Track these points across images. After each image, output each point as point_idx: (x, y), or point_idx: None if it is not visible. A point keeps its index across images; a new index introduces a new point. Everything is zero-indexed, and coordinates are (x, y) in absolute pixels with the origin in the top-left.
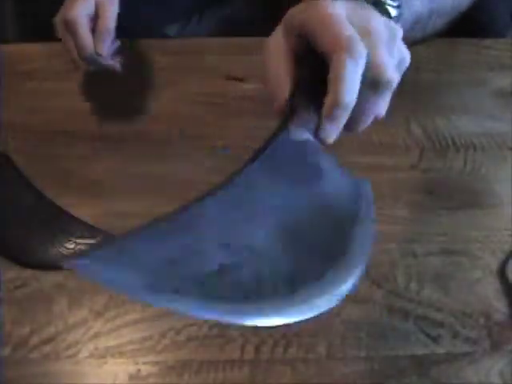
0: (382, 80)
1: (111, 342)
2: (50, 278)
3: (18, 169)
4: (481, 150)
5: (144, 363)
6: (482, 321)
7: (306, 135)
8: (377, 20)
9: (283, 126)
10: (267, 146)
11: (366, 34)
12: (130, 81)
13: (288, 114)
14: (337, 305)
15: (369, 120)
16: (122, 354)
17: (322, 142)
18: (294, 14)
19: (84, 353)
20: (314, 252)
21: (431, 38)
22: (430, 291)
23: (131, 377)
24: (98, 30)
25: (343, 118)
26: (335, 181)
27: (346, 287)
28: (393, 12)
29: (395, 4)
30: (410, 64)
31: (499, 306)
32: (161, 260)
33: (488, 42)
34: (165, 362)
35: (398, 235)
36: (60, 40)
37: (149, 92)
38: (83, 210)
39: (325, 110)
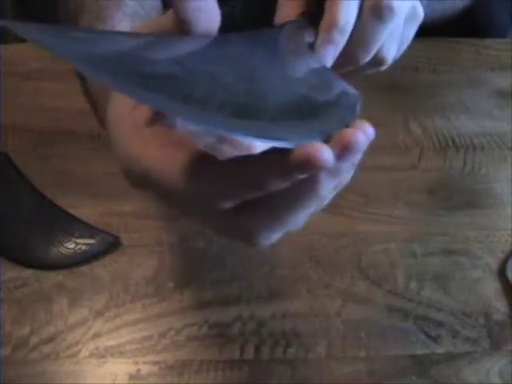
0: (382, 4)
1: (111, 341)
2: (50, 278)
3: (18, 169)
4: (481, 150)
5: (144, 363)
6: (481, 321)
7: (304, 42)
8: None
9: (284, 24)
10: (262, 30)
11: None
12: None
13: (291, 21)
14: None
15: (370, 51)
16: (122, 354)
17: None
18: None
19: (84, 353)
20: (277, 104)
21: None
22: (430, 291)
23: (131, 377)
24: None
25: (339, 38)
26: (318, 76)
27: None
28: None
29: None
30: (410, 64)
31: (499, 305)
32: (108, 51)
33: (488, 42)
34: (165, 362)
35: (398, 235)
36: None
37: None
38: (83, 210)
39: (321, 29)
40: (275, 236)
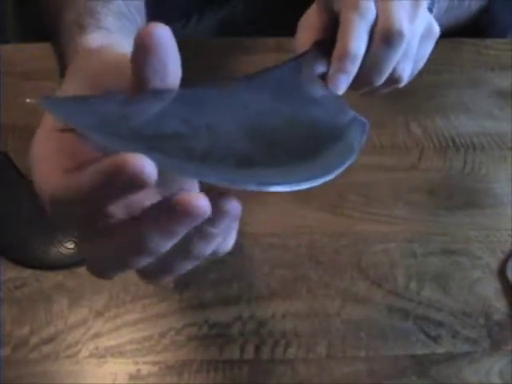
0: (392, 30)
1: (111, 341)
2: (50, 278)
3: (18, 169)
4: (481, 150)
5: (144, 363)
6: (481, 321)
7: (314, 74)
8: None
9: (294, 58)
10: (269, 69)
11: None
12: None
13: (303, 53)
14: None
15: (383, 74)
16: (122, 354)
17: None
18: None
19: (84, 353)
20: (279, 147)
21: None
22: (430, 291)
23: (131, 377)
24: None
25: (351, 67)
26: (326, 108)
27: (306, 183)
28: None
29: None
30: None
31: (499, 305)
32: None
33: (488, 42)
34: (165, 362)
35: (398, 235)
36: None
37: None
38: None
39: (333, 59)
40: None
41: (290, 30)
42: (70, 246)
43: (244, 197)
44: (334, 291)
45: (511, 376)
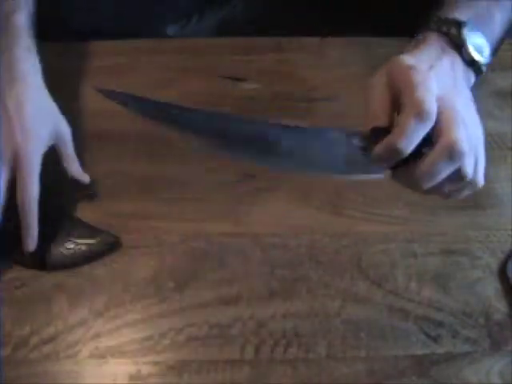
0: (454, 150)
1: (111, 341)
2: (50, 278)
3: None
4: None
5: (144, 363)
6: (481, 321)
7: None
8: (462, 102)
9: (353, 134)
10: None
11: (447, 107)
12: (130, 81)
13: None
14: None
15: (444, 186)
16: (122, 354)
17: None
18: (396, 66)
19: (84, 353)
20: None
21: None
22: (430, 291)
23: (131, 377)
24: (71, 156)
25: (391, 158)
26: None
27: None
28: (484, 69)
29: (487, 61)
30: None
31: (499, 305)
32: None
33: None
34: (165, 362)
35: (398, 235)
36: (59, 40)
37: (149, 92)
38: (83, 211)
39: (379, 144)
40: None
41: (290, 30)
42: (70, 246)
43: (244, 197)
44: (334, 291)
45: (511, 376)
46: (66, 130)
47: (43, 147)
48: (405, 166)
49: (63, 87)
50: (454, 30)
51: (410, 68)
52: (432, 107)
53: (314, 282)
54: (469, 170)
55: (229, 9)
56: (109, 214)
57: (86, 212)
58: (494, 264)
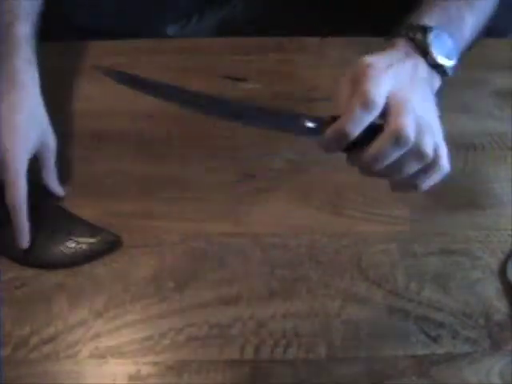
0: (400, 135)
1: (111, 341)
2: (50, 278)
3: None
4: (481, 150)
5: (144, 363)
6: (482, 321)
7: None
8: (418, 98)
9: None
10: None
11: (400, 101)
12: None
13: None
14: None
15: (403, 172)
16: (122, 354)
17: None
18: (358, 64)
19: (84, 353)
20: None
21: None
22: (430, 291)
23: (131, 377)
24: (51, 169)
25: (339, 140)
26: None
27: None
28: (450, 72)
29: (454, 64)
30: None
31: (499, 306)
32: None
33: (488, 41)
34: (165, 362)
35: (398, 235)
36: (60, 37)
37: None
38: (83, 210)
39: (330, 127)
40: None
41: (290, 30)
42: (71, 244)
43: (244, 197)
44: (334, 291)
45: (511, 376)
46: (52, 142)
47: (29, 153)
48: (357, 150)
49: (63, 87)
50: (419, 36)
51: (368, 65)
52: (377, 98)
53: (313, 282)
54: (428, 149)
55: (229, 9)
56: (109, 214)
57: (86, 211)
58: (494, 264)
